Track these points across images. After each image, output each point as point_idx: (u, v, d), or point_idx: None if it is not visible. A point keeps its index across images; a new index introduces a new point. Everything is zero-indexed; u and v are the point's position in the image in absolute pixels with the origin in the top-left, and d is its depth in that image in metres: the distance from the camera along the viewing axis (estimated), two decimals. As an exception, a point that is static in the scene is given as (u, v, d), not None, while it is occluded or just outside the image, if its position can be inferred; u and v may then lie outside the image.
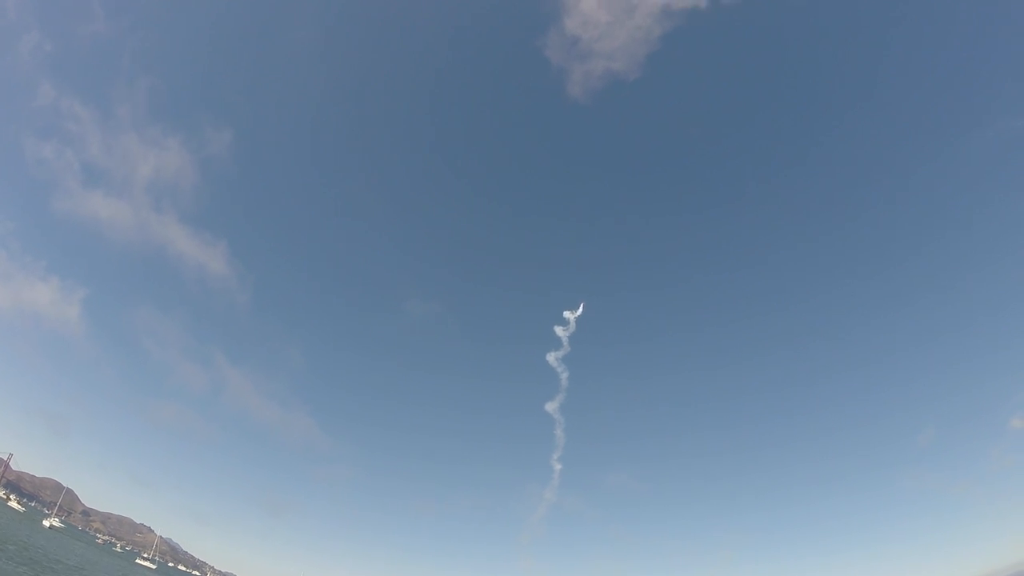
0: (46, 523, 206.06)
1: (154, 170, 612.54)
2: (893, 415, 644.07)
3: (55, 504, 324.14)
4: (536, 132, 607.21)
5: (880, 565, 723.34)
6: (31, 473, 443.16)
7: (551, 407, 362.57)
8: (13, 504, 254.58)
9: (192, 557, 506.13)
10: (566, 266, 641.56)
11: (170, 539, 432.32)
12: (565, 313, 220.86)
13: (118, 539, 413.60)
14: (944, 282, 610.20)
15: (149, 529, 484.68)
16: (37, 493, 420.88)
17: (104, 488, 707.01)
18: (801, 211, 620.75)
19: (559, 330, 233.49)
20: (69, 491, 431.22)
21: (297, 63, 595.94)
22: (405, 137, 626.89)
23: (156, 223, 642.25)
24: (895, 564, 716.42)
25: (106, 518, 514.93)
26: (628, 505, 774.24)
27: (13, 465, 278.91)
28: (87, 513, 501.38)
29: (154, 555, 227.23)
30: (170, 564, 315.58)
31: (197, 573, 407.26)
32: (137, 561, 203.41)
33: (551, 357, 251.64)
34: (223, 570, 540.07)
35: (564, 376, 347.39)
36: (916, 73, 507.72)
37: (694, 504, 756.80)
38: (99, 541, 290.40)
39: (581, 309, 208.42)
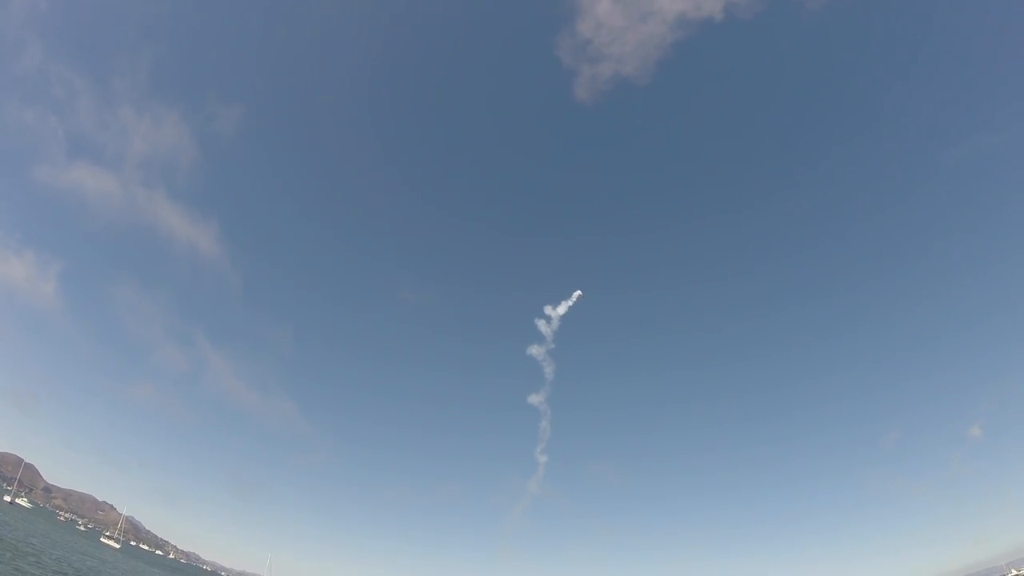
0: (7, 499, 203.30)
1: (149, 144, 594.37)
2: (862, 418, 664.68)
3: (15, 479, 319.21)
4: (538, 129, 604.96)
5: (846, 560, 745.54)
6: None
7: (535, 400, 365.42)
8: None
9: (154, 536, 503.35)
10: (558, 262, 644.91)
11: (132, 517, 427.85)
12: (555, 308, 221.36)
13: (80, 517, 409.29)
14: (915, 298, 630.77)
15: (112, 507, 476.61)
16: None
17: (68, 465, 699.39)
18: (785, 223, 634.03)
19: (543, 324, 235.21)
20: (29, 466, 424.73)
21: (312, 50, 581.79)
22: (407, 129, 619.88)
23: (145, 198, 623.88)
24: (860, 560, 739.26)
25: (68, 495, 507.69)
26: (609, 497, 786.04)
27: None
28: (48, 489, 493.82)
29: (118, 534, 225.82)
30: (132, 543, 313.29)
31: (160, 552, 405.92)
32: (101, 540, 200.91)
33: (537, 350, 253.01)
34: (185, 549, 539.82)
35: (549, 369, 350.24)
36: (914, 88, 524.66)
37: (672, 498, 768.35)
38: (60, 518, 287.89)
39: (575, 298, 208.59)
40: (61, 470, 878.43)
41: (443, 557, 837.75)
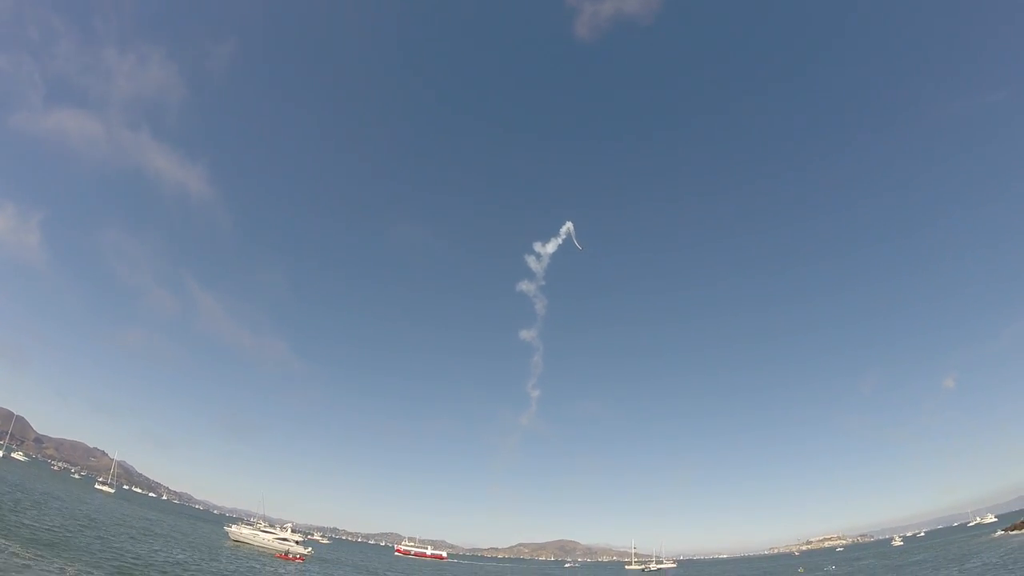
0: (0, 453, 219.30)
1: (135, 84, 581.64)
2: (842, 364, 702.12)
3: (6, 432, 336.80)
4: (537, 66, 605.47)
5: (822, 499, 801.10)
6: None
7: (527, 335, 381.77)
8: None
9: (147, 479, 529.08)
10: (550, 198, 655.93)
11: (124, 462, 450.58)
12: (544, 245, 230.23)
13: (72, 465, 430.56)
14: (900, 251, 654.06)
15: (103, 453, 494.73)
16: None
17: (58, 415, 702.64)
18: (784, 147, 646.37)
19: (533, 261, 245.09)
20: (20, 419, 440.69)
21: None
22: (404, 67, 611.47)
23: (131, 141, 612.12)
24: (836, 500, 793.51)
25: (59, 444, 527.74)
26: (598, 432, 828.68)
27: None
28: (40, 440, 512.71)
29: (112, 479, 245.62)
30: (125, 487, 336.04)
31: (153, 494, 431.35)
32: (96, 487, 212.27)
33: (528, 286, 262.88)
34: (178, 490, 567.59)
35: (540, 306, 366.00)
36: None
37: (659, 438, 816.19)
38: (55, 468, 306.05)
39: (565, 232, 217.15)
40: (51, 420, 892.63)
41: (435, 490, 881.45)
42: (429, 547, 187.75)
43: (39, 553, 26.14)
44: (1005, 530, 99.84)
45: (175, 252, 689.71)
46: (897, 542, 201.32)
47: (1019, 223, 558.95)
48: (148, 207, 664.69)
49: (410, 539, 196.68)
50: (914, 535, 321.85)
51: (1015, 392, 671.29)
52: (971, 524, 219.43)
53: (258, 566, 51.91)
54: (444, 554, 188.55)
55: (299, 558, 72.11)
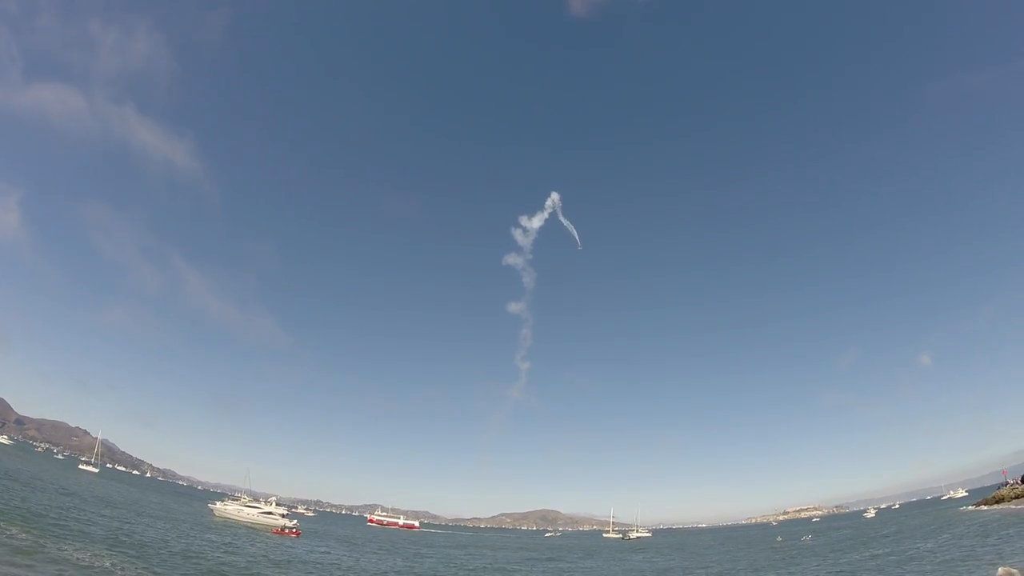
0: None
1: (119, 57, 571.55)
2: (823, 336, 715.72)
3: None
4: (527, 39, 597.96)
5: (800, 466, 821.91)
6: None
7: (516, 308, 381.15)
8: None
9: (130, 456, 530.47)
10: (538, 173, 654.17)
11: (106, 440, 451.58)
12: (530, 218, 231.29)
13: (54, 445, 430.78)
14: (882, 226, 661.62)
15: (85, 432, 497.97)
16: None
17: (39, 395, 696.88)
18: (766, 145, 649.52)
19: (520, 235, 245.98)
20: (0, 400, 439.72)
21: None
22: (393, 41, 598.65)
23: (116, 115, 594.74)
24: (813, 468, 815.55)
25: (40, 425, 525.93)
26: (582, 402, 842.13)
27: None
28: (20, 421, 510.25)
29: (95, 458, 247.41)
30: (108, 465, 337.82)
31: (136, 472, 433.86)
32: (80, 467, 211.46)
33: (515, 259, 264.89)
34: (161, 467, 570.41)
35: (529, 279, 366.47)
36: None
37: (647, 411, 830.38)
38: (38, 450, 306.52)
39: (551, 203, 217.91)
40: (32, 400, 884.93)
41: (420, 462, 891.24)
42: (401, 517, 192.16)
43: (39, 538, 27.80)
44: (975, 504, 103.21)
45: (161, 227, 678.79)
46: (870, 514, 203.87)
47: (998, 204, 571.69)
48: (133, 182, 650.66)
49: (383, 510, 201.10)
50: (888, 507, 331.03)
51: (990, 370, 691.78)
52: (944, 498, 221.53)
53: (259, 542, 55.54)
54: (416, 524, 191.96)
55: (296, 532, 74.01)
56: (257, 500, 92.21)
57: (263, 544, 53.74)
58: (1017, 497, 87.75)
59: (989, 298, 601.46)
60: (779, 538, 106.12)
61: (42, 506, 46.89)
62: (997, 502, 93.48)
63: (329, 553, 54.48)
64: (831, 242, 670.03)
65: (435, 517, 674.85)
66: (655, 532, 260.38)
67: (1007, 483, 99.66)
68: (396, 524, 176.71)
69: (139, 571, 23.64)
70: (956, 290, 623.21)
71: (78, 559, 26.61)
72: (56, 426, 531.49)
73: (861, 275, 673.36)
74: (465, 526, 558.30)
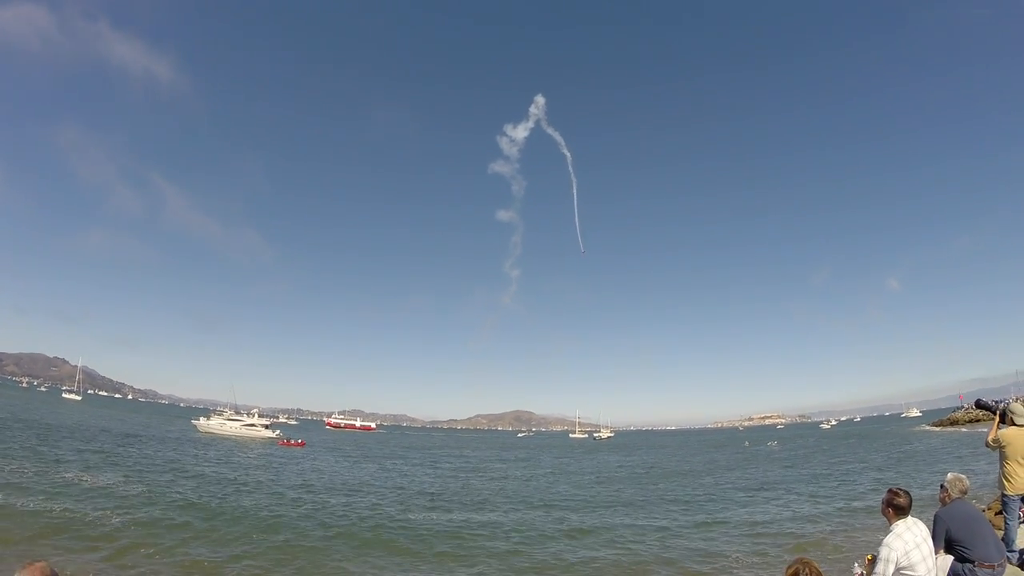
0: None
1: None
2: (797, 250, 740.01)
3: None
4: None
5: (767, 375, 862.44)
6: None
7: (505, 216, 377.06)
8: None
9: (111, 380, 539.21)
10: (525, 75, 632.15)
11: (86, 367, 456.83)
12: (515, 127, 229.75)
13: (35, 377, 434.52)
14: (856, 145, 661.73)
15: (64, 361, 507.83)
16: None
17: (13, 327, 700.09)
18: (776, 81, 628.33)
19: (506, 143, 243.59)
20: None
21: None
22: None
23: (88, 32, 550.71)
24: (779, 378, 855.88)
25: (18, 359, 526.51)
26: (564, 308, 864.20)
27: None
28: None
29: (77, 386, 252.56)
30: (90, 392, 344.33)
31: (119, 395, 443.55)
32: (63, 396, 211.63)
33: (504, 167, 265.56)
34: (142, 388, 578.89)
35: (518, 187, 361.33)
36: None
37: (620, 317, 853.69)
38: (23, 386, 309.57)
39: (535, 108, 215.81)
40: (7, 334, 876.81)
41: (400, 366, 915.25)
42: (358, 419, 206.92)
43: (44, 468, 28.19)
44: (931, 424, 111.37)
45: (141, 146, 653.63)
46: (826, 425, 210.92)
47: (984, 139, 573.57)
48: (110, 102, 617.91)
49: (340, 412, 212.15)
50: (849, 419, 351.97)
51: (954, 301, 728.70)
52: (902, 415, 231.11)
53: (269, 453, 58.28)
54: (373, 425, 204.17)
55: (300, 443, 74.57)
56: (239, 413, 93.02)
57: (281, 456, 55.33)
58: (971, 421, 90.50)
59: (962, 233, 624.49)
60: (747, 442, 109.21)
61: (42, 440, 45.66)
62: (951, 424, 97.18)
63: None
64: (812, 164, 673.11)
65: (412, 419, 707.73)
66: (624, 433, 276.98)
67: (962, 407, 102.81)
68: (353, 426, 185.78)
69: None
70: (931, 218, 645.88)
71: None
72: (34, 358, 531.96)
73: (838, 199, 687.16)
74: (441, 428, 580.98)
